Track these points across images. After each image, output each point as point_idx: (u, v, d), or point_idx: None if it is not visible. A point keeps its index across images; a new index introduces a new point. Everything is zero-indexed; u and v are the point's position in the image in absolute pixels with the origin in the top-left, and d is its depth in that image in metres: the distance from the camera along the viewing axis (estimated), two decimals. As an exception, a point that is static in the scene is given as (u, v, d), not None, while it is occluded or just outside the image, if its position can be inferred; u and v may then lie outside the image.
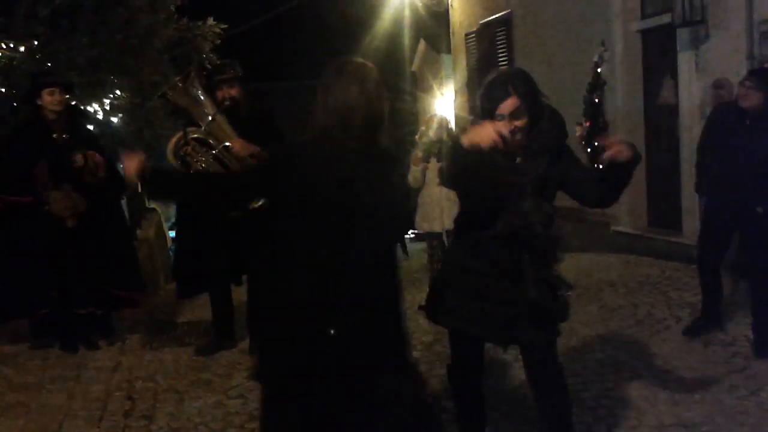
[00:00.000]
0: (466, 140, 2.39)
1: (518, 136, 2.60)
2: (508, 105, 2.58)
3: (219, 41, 10.41)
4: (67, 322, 4.90)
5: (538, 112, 2.69)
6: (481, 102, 2.69)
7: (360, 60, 2.44)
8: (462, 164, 2.48)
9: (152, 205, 10.46)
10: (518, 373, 3.77)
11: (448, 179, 2.68)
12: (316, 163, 2.29)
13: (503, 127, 2.46)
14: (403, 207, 2.58)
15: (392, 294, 2.43)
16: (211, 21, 10.17)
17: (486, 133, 2.37)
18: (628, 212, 7.26)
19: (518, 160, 2.68)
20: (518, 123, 2.59)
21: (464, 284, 2.74)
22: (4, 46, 7.40)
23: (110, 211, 5.06)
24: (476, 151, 2.37)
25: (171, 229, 11.51)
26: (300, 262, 2.31)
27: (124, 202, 6.42)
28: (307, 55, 24.50)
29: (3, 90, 7.45)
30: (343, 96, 2.29)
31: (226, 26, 10.44)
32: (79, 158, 4.66)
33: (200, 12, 10.36)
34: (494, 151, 2.40)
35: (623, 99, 7.17)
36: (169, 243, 9.63)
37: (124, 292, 5.04)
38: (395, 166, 2.51)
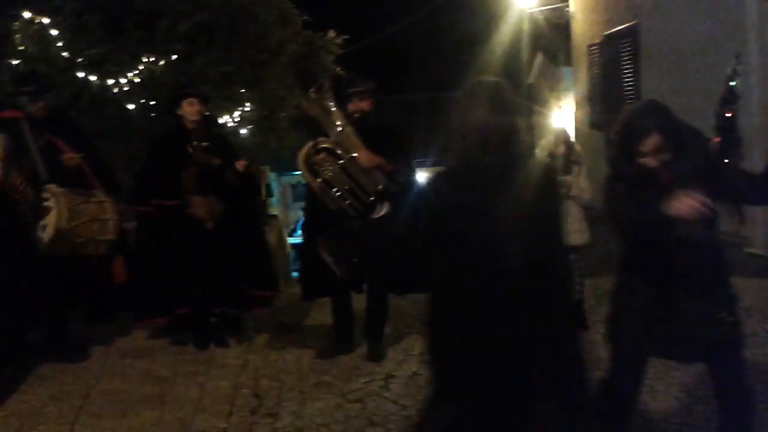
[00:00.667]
0: (672, 209, 2.38)
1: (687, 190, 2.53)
2: (650, 143, 2.56)
3: (340, 53, 10.74)
4: (202, 320, 5.22)
5: (681, 143, 2.67)
6: (619, 141, 2.68)
7: (492, 78, 2.46)
8: (648, 223, 2.50)
9: (274, 211, 10.92)
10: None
11: (618, 222, 2.68)
12: (462, 191, 2.33)
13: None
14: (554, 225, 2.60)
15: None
16: (332, 33, 10.51)
17: (690, 206, 2.37)
18: (764, 234, 6.84)
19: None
20: (664, 158, 2.58)
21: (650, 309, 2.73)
22: (145, 60, 7.99)
23: (246, 214, 5.36)
24: (672, 220, 2.39)
25: (290, 235, 11.98)
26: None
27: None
28: (423, 68, 24.75)
29: (143, 101, 8.05)
30: (478, 117, 2.30)
31: (347, 37, 10.75)
32: (240, 165, 4.96)
33: (323, 26, 10.75)
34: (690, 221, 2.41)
35: (760, 115, 6.77)
36: (288, 248, 10.00)
37: (260, 291, 5.30)
38: (544, 182, 2.49)
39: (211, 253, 5.05)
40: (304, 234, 5.44)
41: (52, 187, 4.70)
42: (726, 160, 7.90)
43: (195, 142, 5.03)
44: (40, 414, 3.94)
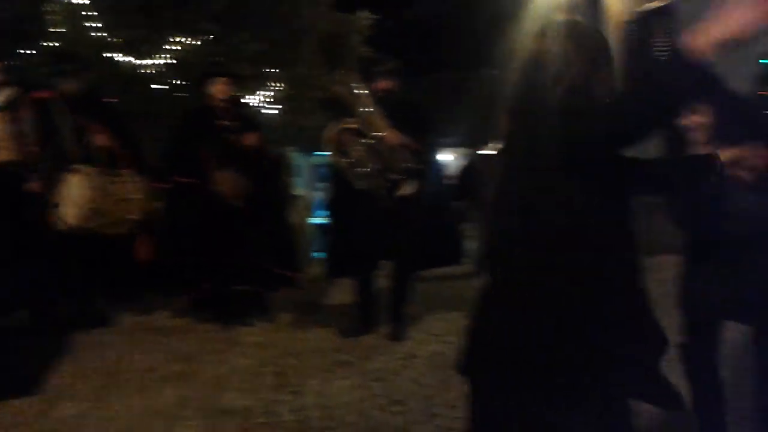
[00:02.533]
0: (708, 37, 1.50)
1: None
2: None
3: (369, 33, 10.64)
4: (226, 299, 5.27)
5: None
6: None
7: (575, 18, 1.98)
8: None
9: (299, 192, 10.91)
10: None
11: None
12: None
13: None
14: None
15: None
16: (362, 13, 10.42)
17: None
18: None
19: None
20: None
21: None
22: (177, 40, 8.02)
23: (271, 194, 5.38)
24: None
25: (314, 216, 11.96)
26: None
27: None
28: (452, 46, 24.46)
29: (176, 81, 8.09)
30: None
31: (377, 17, 10.64)
32: (250, 138, 4.99)
33: (351, 5, 10.66)
34: None
35: (798, 93, 6.56)
36: (311, 229, 9.99)
37: (284, 270, 5.33)
38: None
39: (237, 230, 5.08)
40: (331, 213, 5.45)
41: (80, 166, 4.76)
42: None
43: (223, 122, 5.06)
44: (65, 392, 4.00)
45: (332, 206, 5.46)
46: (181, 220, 5.20)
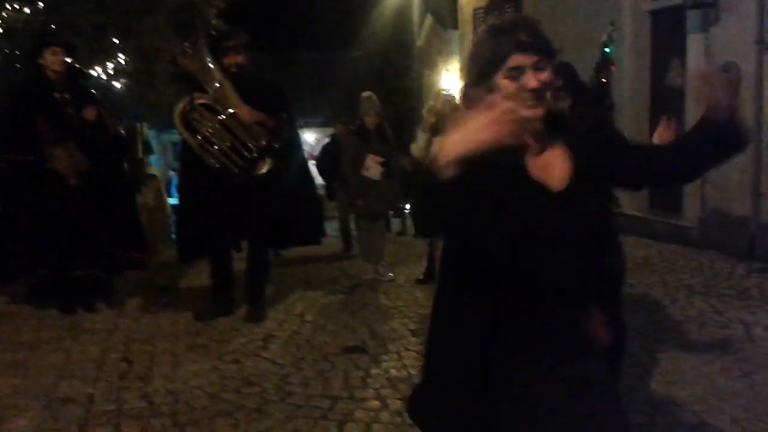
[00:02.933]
0: (448, 153, 1.47)
1: (553, 102, 1.68)
2: (522, 57, 1.63)
3: (222, 6, 10.31)
4: (65, 284, 4.92)
5: (568, 75, 2.34)
6: (477, 59, 1.70)
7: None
8: (442, 200, 1.55)
9: (152, 171, 10.45)
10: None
11: (424, 228, 1.82)
12: None
13: (525, 84, 1.61)
14: None
15: None
16: (216, -14, 10.05)
17: (489, 122, 1.46)
18: (629, 194, 7.24)
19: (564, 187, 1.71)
20: (543, 77, 1.63)
21: None
22: (9, 8, 7.33)
23: (113, 172, 5.07)
24: (469, 162, 1.48)
25: (169, 196, 11.54)
26: None
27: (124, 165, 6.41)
28: (311, 28, 24.33)
29: (7, 51, 7.40)
30: None
31: None
32: (90, 112, 4.67)
33: (207, -22, 10.25)
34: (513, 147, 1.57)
35: (631, 80, 7.12)
36: (168, 210, 9.62)
37: (128, 252, 5.06)
38: None
39: (76, 211, 4.75)
40: (181, 194, 5.23)
41: None
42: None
43: (56, 94, 4.68)
44: None
45: (184, 185, 5.24)
46: (14, 200, 4.78)
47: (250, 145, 4.63)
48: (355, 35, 21.84)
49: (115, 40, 8.04)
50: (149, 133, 13.81)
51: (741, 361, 3.77)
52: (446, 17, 14.64)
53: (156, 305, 5.22)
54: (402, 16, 19.93)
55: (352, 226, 7.10)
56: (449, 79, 14.27)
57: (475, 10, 10.79)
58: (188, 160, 4.87)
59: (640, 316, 4.60)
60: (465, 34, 11.65)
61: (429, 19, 18.01)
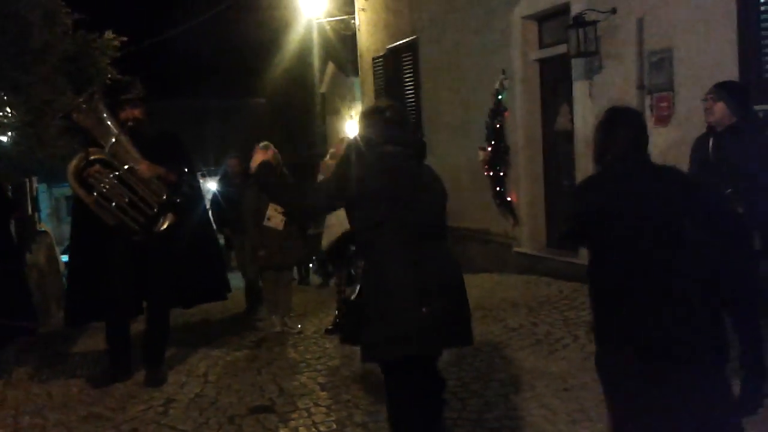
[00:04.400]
0: None
1: None
2: None
3: (117, 55, 10.08)
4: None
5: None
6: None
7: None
8: None
9: (43, 227, 9.91)
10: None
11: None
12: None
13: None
14: None
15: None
16: (109, 34, 9.83)
17: None
18: (529, 234, 7.48)
19: None
20: None
21: None
22: None
23: None
24: None
25: (64, 253, 10.97)
26: None
27: (12, 224, 6.04)
28: (214, 75, 24.14)
29: None
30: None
31: (125, 39, 10.11)
32: None
33: (99, 25, 10.00)
34: None
35: (523, 125, 7.41)
36: (62, 268, 9.14)
37: (17, 320, 4.74)
38: None
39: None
40: (72, 250, 4.97)
41: None
42: (497, 168, 8.39)
43: None
44: None
45: (77, 244, 4.99)
46: None
47: (150, 200, 4.48)
48: (258, 82, 21.84)
49: (1, 93, 7.66)
50: (40, 188, 13.15)
51: (640, 395, 3.90)
52: (347, 65, 14.87)
53: (46, 373, 4.89)
54: (304, 63, 20.10)
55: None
56: (352, 124, 14.44)
57: (374, 59, 11.00)
58: (80, 218, 4.65)
59: (543, 354, 4.70)
60: (365, 83, 11.84)
61: (331, 66, 18.23)
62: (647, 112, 5.82)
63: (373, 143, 2.89)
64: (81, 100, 4.54)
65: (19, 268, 5.05)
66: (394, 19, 10.26)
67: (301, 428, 3.76)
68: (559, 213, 7.22)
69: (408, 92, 9.74)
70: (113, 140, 4.43)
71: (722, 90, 3.73)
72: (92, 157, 4.42)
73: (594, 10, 6.09)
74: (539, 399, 3.94)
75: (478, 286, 6.95)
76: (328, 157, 6.32)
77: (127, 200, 4.42)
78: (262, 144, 5.37)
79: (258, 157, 3.58)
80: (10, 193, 5.21)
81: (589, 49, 6.16)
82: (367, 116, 3.00)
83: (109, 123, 4.46)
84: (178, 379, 4.66)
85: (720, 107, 3.70)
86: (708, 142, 3.78)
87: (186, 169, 4.74)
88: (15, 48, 7.50)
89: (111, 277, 4.51)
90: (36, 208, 10.14)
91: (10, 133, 8.01)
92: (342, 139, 7.25)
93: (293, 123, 20.83)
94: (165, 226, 4.54)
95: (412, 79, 9.71)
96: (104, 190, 4.38)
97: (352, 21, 12.09)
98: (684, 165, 3.90)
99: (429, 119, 9.34)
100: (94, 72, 9.48)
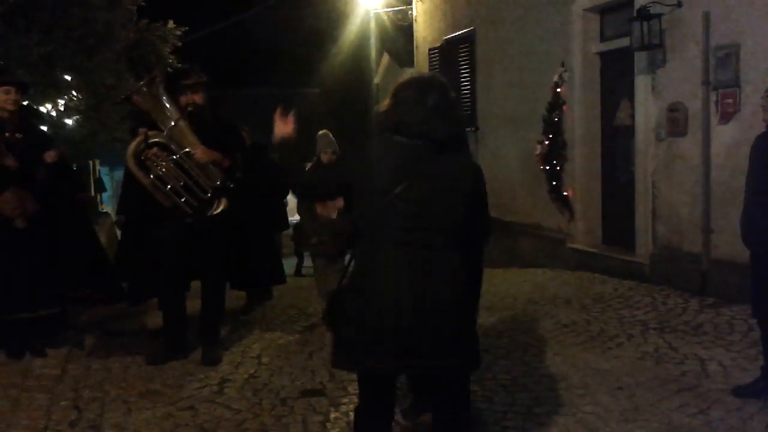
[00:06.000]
0: None
1: None
2: None
3: (179, 44, 10.30)
4: (12, 327, 4.74)
5: None
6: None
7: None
8: None
9: (105, 209, 10.22)
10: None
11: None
12: None
13: None
14: None
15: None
16: (171, 24, 10.05)
17: None
18: (584, 230, 7.37)
19: None
20: None
21: None
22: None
23: (66, 212, 4.93)
24: None
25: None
26: None
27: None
28: (270, 63, 24.41)
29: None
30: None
31: (186, 29, 10.33)
32: (50, 156, 4.58)
33: (161, 14, 10.24)
34: None
35: (581, 119, 7.29)
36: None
37: (84, 293, 4.94)
38: None
39: (24, 254, 4.59)
40: (127, 233, 5.12)
41: None
42: (554, 162, 8.27)
43: (7, 134, 4.56)
44: None
45: (135, 224, 5.14)
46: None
47: (204, 185, 4.57)
48: (313, 72, 22.00)
49: (67, 77, 7.91)
50: (102, 171, 13.56)
51: (697, 397, 3.82)
52: (403, 56, 14.83)
53: (106, 349, 5.05)
54: (359, 53, 20.15)
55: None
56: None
57: (430, 50, 10.96)
58: (141, 198, 4.79)
59: (596, 351, 4.64)
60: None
61: (386, 57, 18.23)
62: (712, 108, 5.66)
63: (383, 129, 2.58)
64: (142, 83, 4.65)
65: (92, 241, 5.22)
66: (452, 10, 10.20)
67: (351, 413, 3.80)
68: (616, 211, 7.11)
69: (464, 84, 9.68)
70: (172, 123, 4.53)
71: None
72: (151, 140, 4.52)
73: (659, 2, 5.95)
74: (591, 396, 3.89)
75: (529, 280, 6.89)
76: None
77: (182, 183, 4.51)
78: (321, 132, 5.43)
79: (280, 128, 3.03)
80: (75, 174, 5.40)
81: (653, 42, 6.02)
82: (400, 91, 2.57)
83: (168, 106, 4.55)
84: (233, 359, 4.76)
85: None
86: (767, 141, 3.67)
87: (240, 157, 4.82)
88: (80, 31, 7.72)
89: (165, 257, 4.63)
90: (98, 189, 10.46)
91: (75, 117, 8.28)
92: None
93: (347, 114, 20.91)
94: (218, 211, 4.64)
95: (468, 70, 9.65)
96: (161, 173, 4.48)
97: (410, 11, 12.05)
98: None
99: (483, 111, 9.28)
100: (154, 60, 9.71)
